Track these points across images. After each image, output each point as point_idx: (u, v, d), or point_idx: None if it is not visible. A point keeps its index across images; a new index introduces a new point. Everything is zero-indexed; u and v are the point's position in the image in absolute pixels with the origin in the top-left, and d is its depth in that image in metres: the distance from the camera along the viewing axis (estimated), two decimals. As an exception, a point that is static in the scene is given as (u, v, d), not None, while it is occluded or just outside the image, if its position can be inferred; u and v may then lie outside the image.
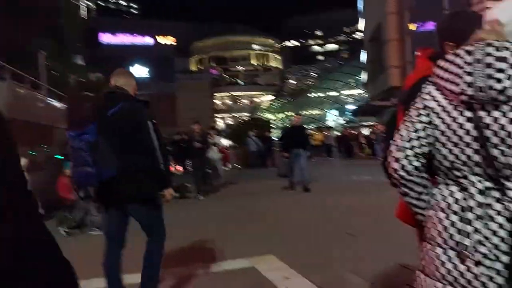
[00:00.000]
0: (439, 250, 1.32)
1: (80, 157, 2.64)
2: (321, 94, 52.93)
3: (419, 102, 1.42)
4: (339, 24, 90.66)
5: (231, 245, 4.82)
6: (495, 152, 1.23)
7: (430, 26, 23.60)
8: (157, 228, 2.96)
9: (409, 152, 1.37)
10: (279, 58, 73.31)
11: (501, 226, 1.21)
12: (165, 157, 3.01)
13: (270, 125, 30.58)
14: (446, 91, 1.34)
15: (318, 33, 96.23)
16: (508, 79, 1.20)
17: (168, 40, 57.82)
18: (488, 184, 1.26)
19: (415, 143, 1.37)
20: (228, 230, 5.81)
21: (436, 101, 1.37)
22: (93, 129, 2.66)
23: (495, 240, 1.21)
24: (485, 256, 1.21)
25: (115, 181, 2.68)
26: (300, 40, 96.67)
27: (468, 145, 1.28)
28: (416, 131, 1.38)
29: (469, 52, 1.31)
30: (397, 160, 1.38)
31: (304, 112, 50.87)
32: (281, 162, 10.30)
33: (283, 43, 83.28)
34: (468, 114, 1.28)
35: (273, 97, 66.32)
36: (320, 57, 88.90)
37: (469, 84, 1.26)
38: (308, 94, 57.06)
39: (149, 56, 53.43)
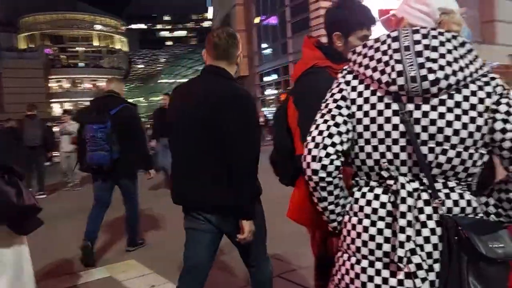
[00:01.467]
0: (364, 263, 1.16)
1: (99, 144, 3.68)
2: (171, 80, 52.03)
3: (337, 93, 1.24)
4: (187, 11, 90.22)
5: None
6: (424, 149, 1.11)
7: (273, 20, 25.14)
8: (134, 195, 4.13)
9: (330, 149, 1.17)
10: (125, 40, 69.14)
11: (432, 231, 1.10)
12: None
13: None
14: (369, 80, 1.18)
15: (166, 18, 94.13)
16: (441, 69, 1.09)
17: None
18: (415, 185, 1.13)
19: (336, 139, 1.18)
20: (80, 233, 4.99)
21: (357, 91, 1.20)
22: (109, 124, 3.69)
23: (429, 247, 1.10)
24: (419, 266, 1.08)
25: (117, 160, 3.76)
26: (148, 24, 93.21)
27: (395, 141, 1.14)
28: (336, 125, 1.18)
29: (394, 38, 1.16)
30: (317, 159, 1.17)
31: (154, 98, 49.08)
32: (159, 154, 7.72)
33: (129, 26, 79.00)
34: (395, 106, 1.14)
35: (119, 82, 62.24)
36: (169, 43, 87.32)
37: (399, 73, 1.11)
38: (158, 80, 55.40)
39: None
